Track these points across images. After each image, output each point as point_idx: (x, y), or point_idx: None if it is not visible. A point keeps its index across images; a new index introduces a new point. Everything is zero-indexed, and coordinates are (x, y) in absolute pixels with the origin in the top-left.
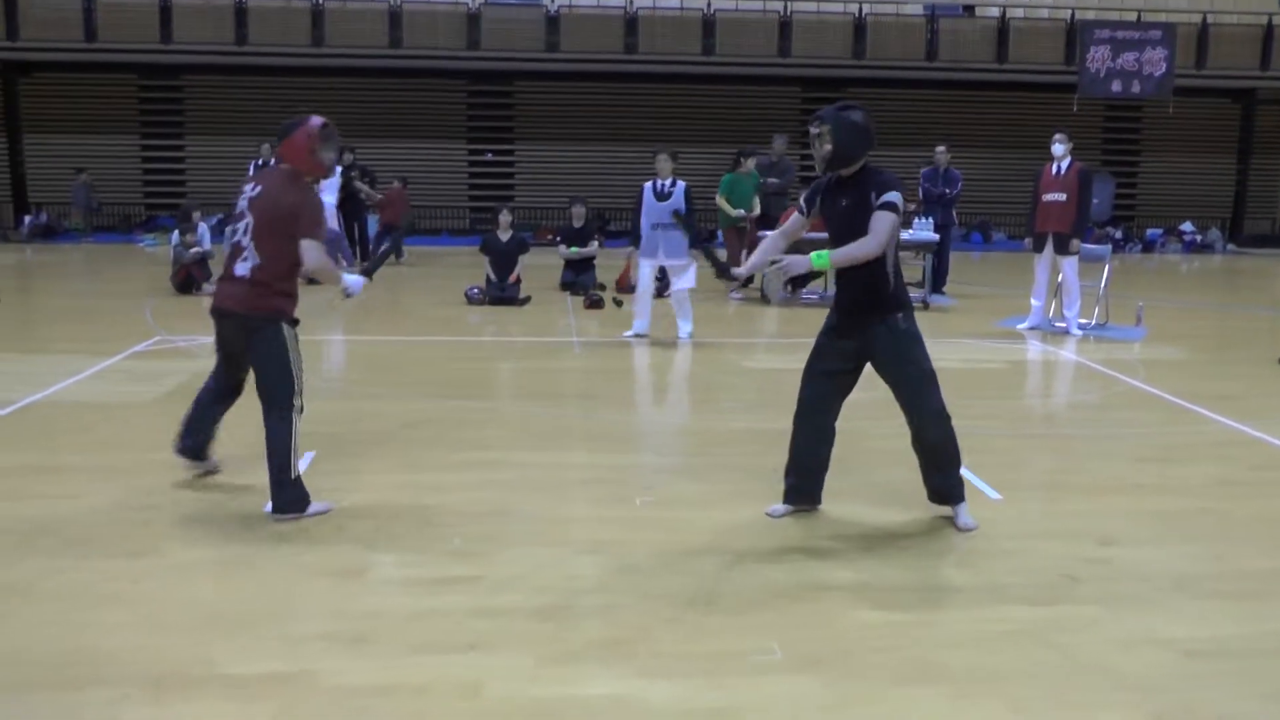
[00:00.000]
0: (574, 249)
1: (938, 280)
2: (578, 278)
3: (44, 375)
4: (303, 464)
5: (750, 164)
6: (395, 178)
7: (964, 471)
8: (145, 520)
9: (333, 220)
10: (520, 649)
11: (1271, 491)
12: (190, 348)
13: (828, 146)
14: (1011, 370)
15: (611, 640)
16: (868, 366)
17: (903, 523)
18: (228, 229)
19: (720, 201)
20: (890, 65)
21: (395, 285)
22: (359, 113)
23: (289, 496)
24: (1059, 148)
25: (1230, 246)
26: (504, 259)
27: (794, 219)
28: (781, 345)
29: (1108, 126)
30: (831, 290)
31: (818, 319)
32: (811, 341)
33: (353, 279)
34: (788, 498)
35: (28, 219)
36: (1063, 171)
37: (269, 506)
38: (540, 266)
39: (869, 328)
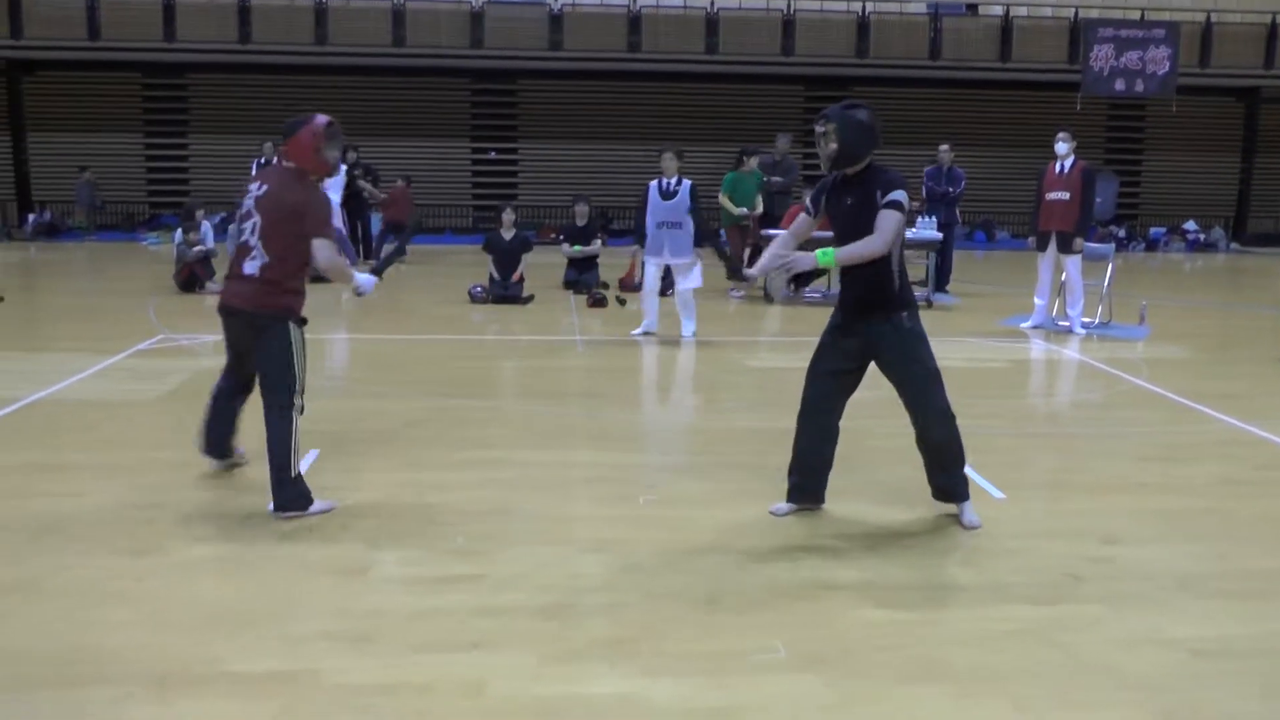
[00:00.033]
0: (577, 247)
1: (941, 279)
2: (581, 276)
3: (48, 373)
4: (305, 463)
5: (753, 162)
6: (399, 176)
7: (968, 470)
8: (149, 518)
9: (337, 219)
10: (523, 648)
11: (1275, 491)
12: (193, 346)
13: (833, 145)
14: (1015, 369)
15: (615, 639)
16: (872, 365)
17: (906, 521)
18: (231, 228)
19: (723, 200)
20: (893, 64)
21: (398, 284)
22: (362, 111)
23: (289, 495)
24: (1062, 146)
25: (1234, 245)
26: (507, 257)
27: (801, 219)
28: (784, 344)
29: (1111, 125)
30: (834, 289)
31: (820, 317)
32: (814, 340)
33: (364, 278)
34: (791, 496)
35: (31, 217)
36: (1066, 170)
37: (271, 505)
38: (543, 265)
39: (874, 326)
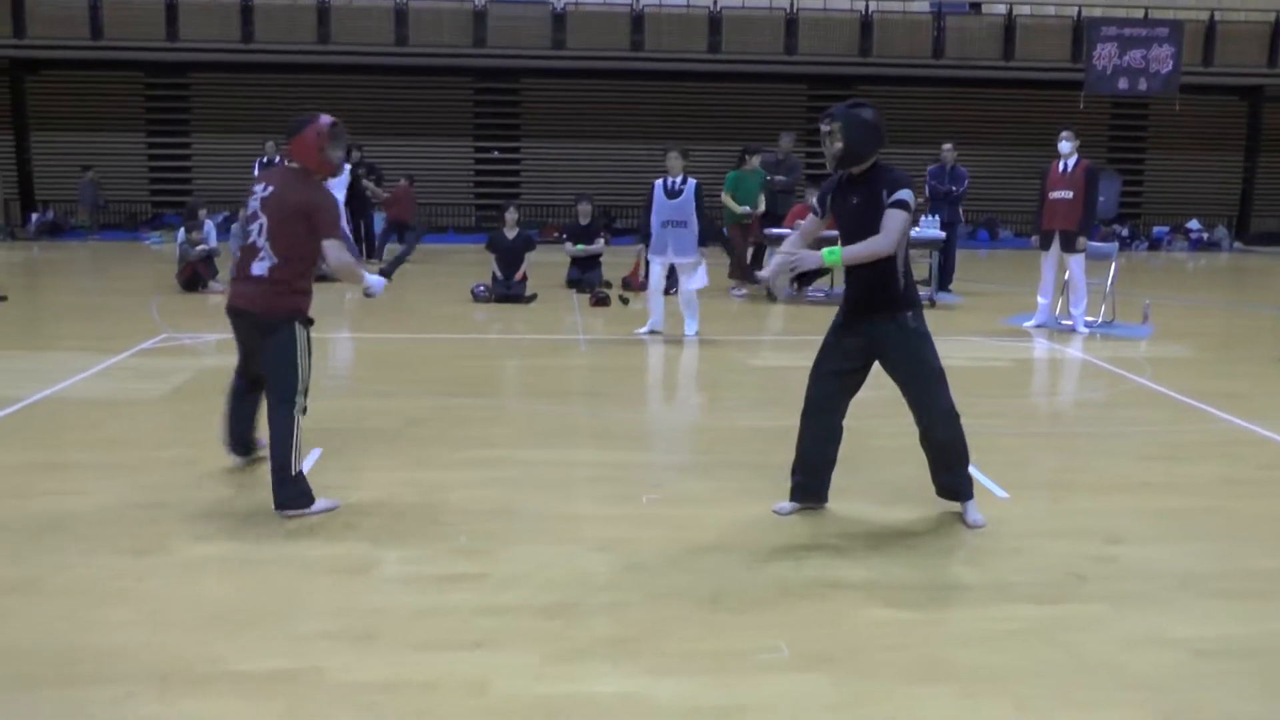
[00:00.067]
0: (580, 246)
1: (944, 278)
2: (584, 275)
3: (51, 372)
4: (308, 461)
5: (755, 161)
6: (402, 175)
7: (971, 470)
8: (152, 517)
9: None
10: (527, 647)
11: (1278, 490)
12: (196, 345)
13: (838, 144)
14: (1018, 368)
15: (618, 638)
16: (875, 364)
17: (910, 520)
18: (234, 226)
19: (725, 199)
20: (897, 63)
21: (401, 283)
22: (365, 110)
23: (290, 493)
24: (1066, 145)
25: (1237, 244)
26: (510, 256)
27: (810, 220)
28: (788, 343)
29: (1114, 124)
30: (837, 288)
31: (823, 316)
32: (817, 339)
33: (374, 280)
34: (794, 495)
35: (35, 216)
36: (1069, 169)
37: (273, 504)
38: (546, 264)
39: (878, 326)
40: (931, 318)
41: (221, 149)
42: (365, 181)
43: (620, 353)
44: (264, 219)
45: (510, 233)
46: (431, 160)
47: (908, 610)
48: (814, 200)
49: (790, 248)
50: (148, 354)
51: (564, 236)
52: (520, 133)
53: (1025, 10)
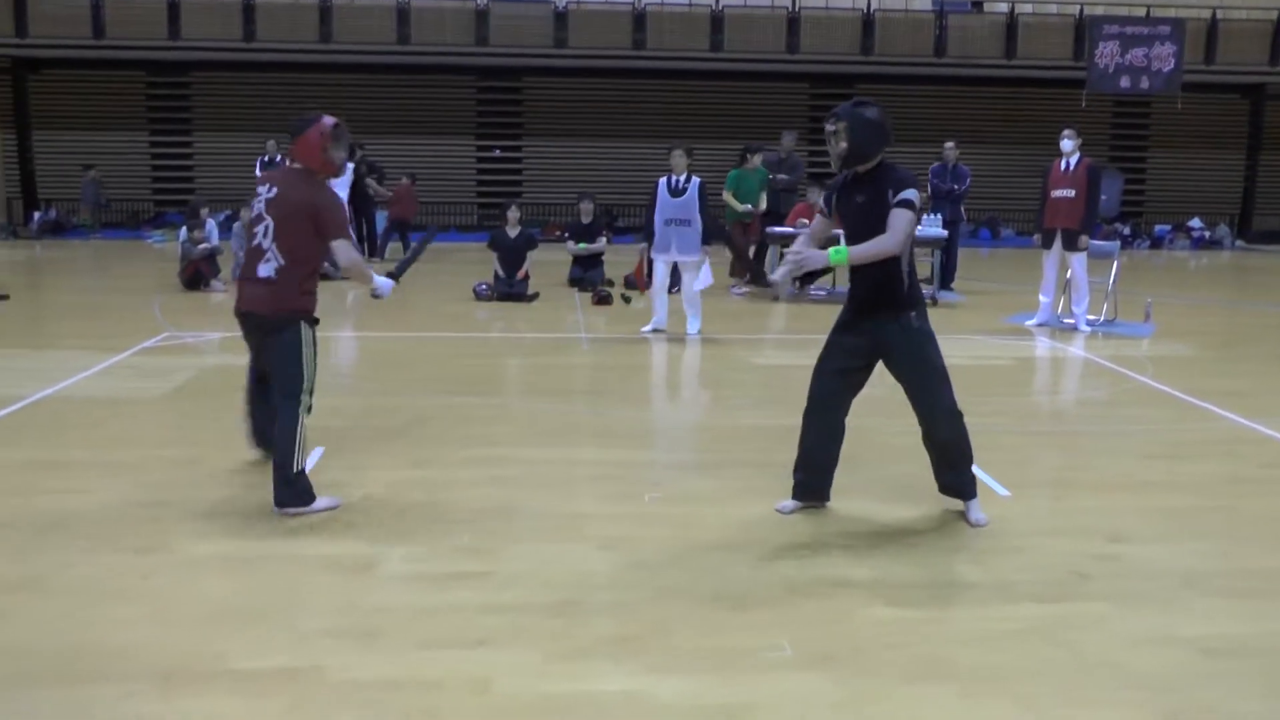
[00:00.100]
0: (582, 245)
1: (946, 276)
2: (586, 274)
3: (53, 371)
4: (311, 460)
5: (757, 160)
6: (404, 174)
7: (974, 469)
8: (154, 516)
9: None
10: (530, 645)
11: None
12: (198, 344)
13: (843, 144)
14: (1019, 367)
15: (621, 636)
16: (878, 364)
17: (912, 519)
18: (235, 226)
19: (727, 197)
20: (899, 61)
21: (403, 281)
22: (367, 109)
23: (290, 492)
24: (1068, 144)
25: (1239, 243)
26: (512, 255)
27: (818, 220)
28: (790, 341)
29: (1116, 122)
30: (840, 287)
31: (825, 315)
32: (819, 337)
33: (383, 281)
34: (796, 494)
35: (37, 215)
36: (1071, 168)
37: (274, 502)
38: (548, 262)
39: (882, 325)
40: (933, 316)
41: (223, 148)
42: (367, 180)
43: (622, 351)
44: (269, 221)
45: (512, 231)
46: (434, 159)
47: (910, 609)
48: (821, 200)
49: (800, 247)
50: (150, 353)
51: (566, 235)
52: (522, 131)
53: (1027, 9)
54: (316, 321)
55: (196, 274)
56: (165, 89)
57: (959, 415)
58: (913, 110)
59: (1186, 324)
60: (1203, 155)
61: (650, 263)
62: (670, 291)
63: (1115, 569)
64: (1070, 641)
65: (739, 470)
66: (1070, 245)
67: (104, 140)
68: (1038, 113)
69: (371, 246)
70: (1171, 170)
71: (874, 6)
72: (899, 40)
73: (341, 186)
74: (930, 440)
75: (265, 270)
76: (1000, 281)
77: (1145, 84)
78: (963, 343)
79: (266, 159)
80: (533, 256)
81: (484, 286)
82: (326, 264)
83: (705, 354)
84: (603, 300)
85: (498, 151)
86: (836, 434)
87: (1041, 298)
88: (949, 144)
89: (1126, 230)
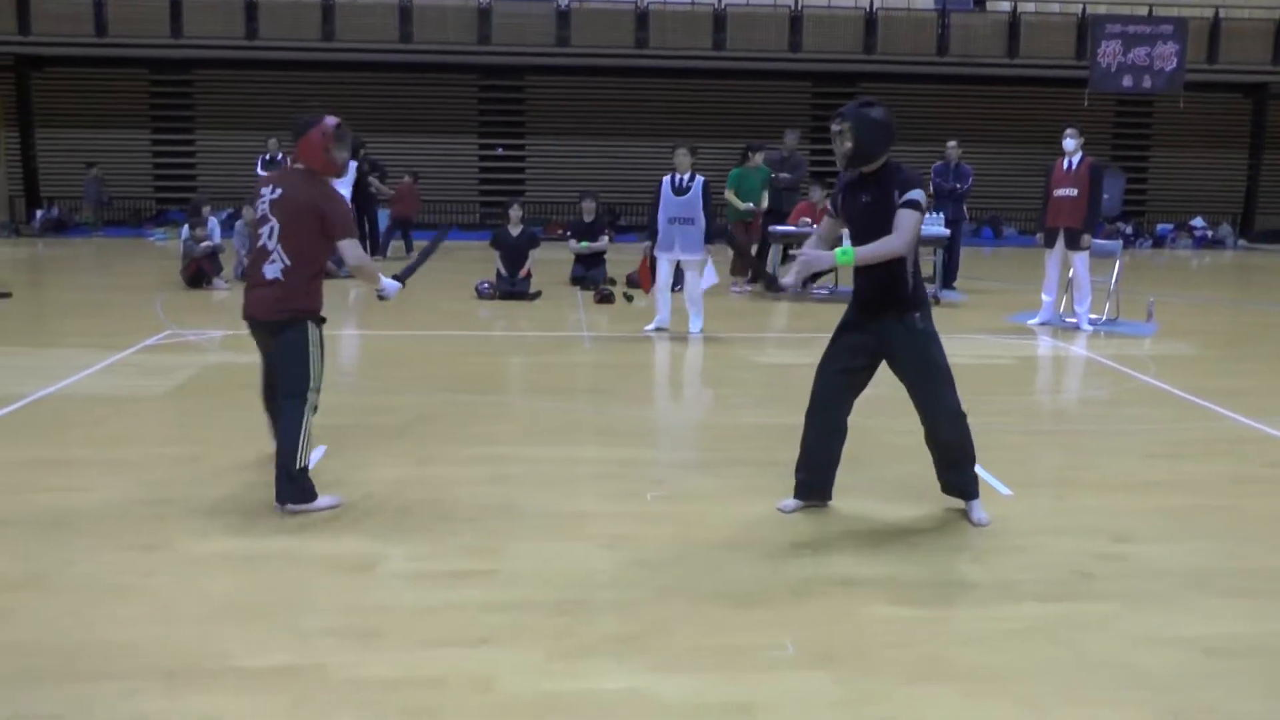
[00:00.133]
0: (584, 243)
1: (948, 275)
2: (588, 272)
3: (55, 369)
4: (313, 458)
5: (758, 158)
6: (406, 172)
7: (976, 468)
8: (157, 514)
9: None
10: (532, 643)
11: None
12: (200, 341)
13: (849, 144)
14: (1022, 366)
15: (624, 635)
16: (882, 363)
17: (915, 518)
18: (238, 224)
19: (728, 195)
20: (901, 60)
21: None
22: (370, 107)
23: (293, 488)
24: (1070, 143)
25: (1241, 242)
26: (514, 254)
27: (827, 221)
28: (792, 340)
29: (1119, 121)
30: (843, 286)
31: (828, 313)
32: (822, 336)
33: (389, 283)
34: (798, 493)
35: (39, 213)
36: (1074, 167)
37: (276, 500)
38: (550, 261)
39: (886, 325)
40: (936, 315)
41: (226, 146)
42: (370, 178)
43: (624, 350)
44: (274, 222)
45: (514, 230)
46: (436, 157)
47: (912, 608)
48: (828, 201)
49: (808, 249)
50: (152, 350)
51: (568, 234)
52: (525, 130)
53: (1030, 8)
54: (323, 320)
55: (198, 272)
56: (167, 87)
57: (962, 416)
58: (915, 109)
59: (1189, 323)
60: (1205, 154)
61: (654, 261)
62: (673, 290)
63: (1118, 569)
64: (1072, 641)
65: (741, 469)
66: (1073, 244)
67: (106, 138)
68: (1040, 112)
69: (374, 245)
70: (1174, 169)
71: (876, 5)
72: (901, 39)
73: (344, 185)
74: (933, 440)
75: (271, 271)
76: (1002, 280)
77: (1148, 83)
78: (965, 342)
79: (268, 157)
80: (535, 255)
81: (486, 285)
82: (330, 262)
83: (707, 352)
84: (605, 299)
85: (500, 150)
86: (839, 433)
87: (1044, 297)
88: (951, 143)
89: (1129, 229)
